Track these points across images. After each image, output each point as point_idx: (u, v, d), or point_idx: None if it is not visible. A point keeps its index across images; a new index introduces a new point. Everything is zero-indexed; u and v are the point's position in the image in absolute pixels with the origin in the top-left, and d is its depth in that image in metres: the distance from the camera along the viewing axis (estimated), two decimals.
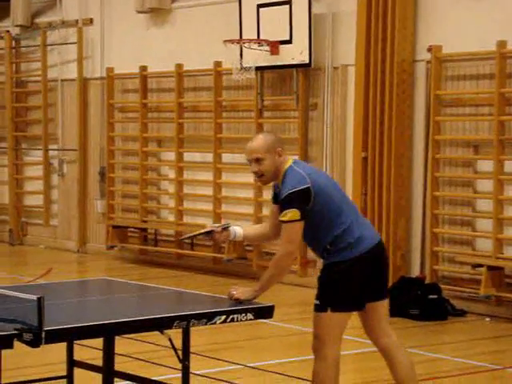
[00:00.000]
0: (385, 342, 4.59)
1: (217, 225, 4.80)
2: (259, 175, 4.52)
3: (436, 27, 8.85)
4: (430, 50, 8.74)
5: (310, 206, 4.43)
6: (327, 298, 4.48)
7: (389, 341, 4.59)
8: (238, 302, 4.51)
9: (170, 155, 11.41)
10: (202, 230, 4.74)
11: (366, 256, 4.50)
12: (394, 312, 8.26)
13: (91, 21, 12.24)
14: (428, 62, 8.84)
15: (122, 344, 5.31)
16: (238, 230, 4.73)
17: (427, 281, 8.65)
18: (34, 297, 3.71)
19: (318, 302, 4.51)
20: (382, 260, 4.60)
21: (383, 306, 4.61)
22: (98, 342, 4.51)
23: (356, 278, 4.49)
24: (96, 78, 12.21)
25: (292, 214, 4.39)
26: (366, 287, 4.52)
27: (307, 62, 9.64)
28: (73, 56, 12.35)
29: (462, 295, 8.57)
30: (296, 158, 4.79)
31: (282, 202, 4.44)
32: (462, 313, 8.37)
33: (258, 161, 4.47)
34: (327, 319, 4.46)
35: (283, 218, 4.43)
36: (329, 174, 9.74)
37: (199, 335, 6.71)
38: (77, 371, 4.99)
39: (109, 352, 4.39)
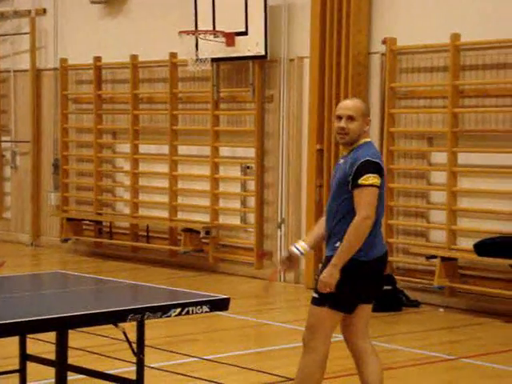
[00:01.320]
0: (363, 345, 4.55)
1: (280, 261, 4.68)
2: (343, 133, 4.48)
3: (391, 20, 8.89)
4: (384, 42, 8.79)
5: None
6: (328, 294, 4.40)
7: (367, 345, 4.56)
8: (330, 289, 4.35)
9: (125, 147, 11.32)
10: (277, 274, 4.63)
11: (374, 263, 4.46)
12: None
13: (44, 11, 12.07)
14: (383, 54, 8.89)
15: (76, 338, 5.26)
16: (301, 245, 4.60)
17: None
18: None
19: (317, 296, 4.44)
20: (383, 269, 4.59)
21: (370, 309, 4.60)
22: (52, 335, 4.45)
23: (360, 283, 4.46)
24: (49, 68, 12.06)
25: (374, 179, 4.34)
26: (364, 292, 4.51)
27: (263, 53, 9.63)
28: (25, 46, 12.18)
29: (416, 286, 8.66)
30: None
31: (360, 165, 4.35)
32: (416, 304, 8.45)
33: (349, 118, 4.47)
34: (323, 314, 4.42)
35: (363, 182, 4.34)
36: (285, 166, 9.76)
37: (155, 328, 6.68)
38: (30, 365, 4.93)
39: (62, 346, 4.34)
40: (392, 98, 8.81)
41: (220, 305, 4.48)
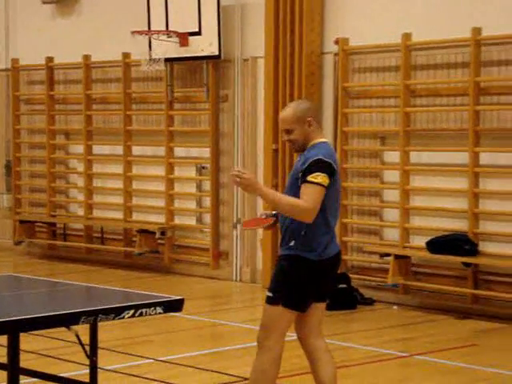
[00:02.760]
0: (317, 343, 4.56)
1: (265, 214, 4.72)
2: (291, 143, 4.52)
3: (343, 20, 8.95)
4: (336, 42, 8.85)
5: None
6: (282, 293, 4.43)
7: (321, 343, 4.57)
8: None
9: (79, 148, 11.23)
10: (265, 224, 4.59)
11: (326, 262, 4.48)
12: None
13: None
14: (335, 54, 8.94)
15: (28, 341, 5.21)
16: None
17: None
18: None
19: (271, 295, 4.46)
20: (336, 267, 4.62)
21: (321, 307, 4.61)
22: (3, 338, 4.40)
23: (314, 281, 4.48)
24: (1, 69, 11.90)
25: (323, 178, 4.34)
26: (316, 290, 4.52)
27: (217, 53, 9.63)
28: None
29: (370, 284, 8.73)
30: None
31: (312, 163, 4.35)
32: (370, 301, 8.52)
33: (287, 132, 4.49)
34: (277, 313, 4.44)
35: (313, 179, 4.33)
36: (240, 166, 9.77)
37: (111, 330, 6.64)
38: None
39: (14, 349, 4.28)
40: (345, 97, 8.87)
41: (174, 306, 4.47)
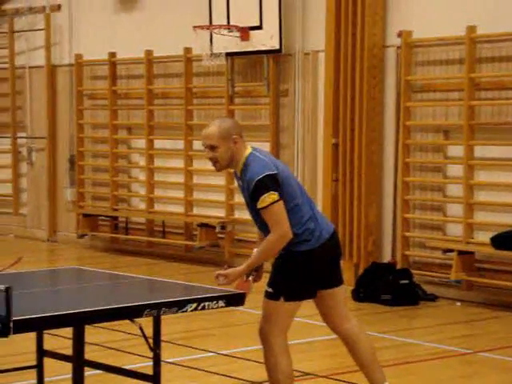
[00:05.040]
0: (346, 327, 4.60)
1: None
2: (213, 162, 4.49)
3: (406, 12, 8.84)
4: (399, 35, 8.75)
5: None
6: (281, 287, 4.49)
7: (350, 326, 4.60)
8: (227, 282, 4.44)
9: (141, 142, 11.33)
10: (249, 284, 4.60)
11: (322, 247, 4.49)
12: (366, 297, 8.30)
13: (59, 7, 12.09)
14: (398, 47, 8.84)
15: (92, 333, 5.27)
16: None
17: (398, 266, 8.68)
18: (2, 287, 3.67)
19: (271, 290, 4.52)
20: (337, 249, 4.61)
21: (340, 292, 4.63)
22: (68, 331, 4.46)
23: (312, 270, 4.50)
24: (64, 64, 12.08)
25: (270, 197, 4.33)
26: (320, 277, 4.53)
27: (278, 47, 9.61)
28: (40, 43, 12.21)
29: (432, 280, 8.62)
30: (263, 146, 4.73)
31: (253, 190, 4.35)
32: (432, 297, 8.42)
33: (211, 148, 4.43)
34: (279, 307, 4.49)
35: (262, 205, 4.34)
36: (300, 160, 9.74)
37: (172, 323, 6.69)
38: (46, 361, 4.95)
39: (79, 341, 4.34)
40: (407, 91, 8.77)
41: (236, 300, 4.48)
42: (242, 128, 4.57)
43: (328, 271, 4.56)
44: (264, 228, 4.49)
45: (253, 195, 4.38)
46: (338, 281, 4.62)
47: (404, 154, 8.78)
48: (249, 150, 4.47)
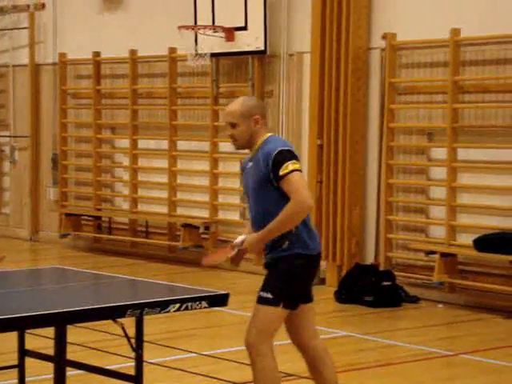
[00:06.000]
0: (315, 343, 4.46)
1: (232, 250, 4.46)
2: (233, 139, 4.39)
3: (391, 15, 8.87)
4: (384, 37, 8.77)
5: None
6: (283, 292, 4.29)
7: (318, 342, 4.47)
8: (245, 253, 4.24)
9: (124, 142, 11.30)
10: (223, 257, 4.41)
11: (319, 256, 4.40)
12: (349, 299, 8.32)
13: (43, 5, 12.04)
14: (383, 49, 8.87)
15: (74, 333, 5.25)
16: (243, 237, 4.45)
17: (381, 268, 8.70)
18: None
19: (269, 296, 4.27)
20: (319, 265, 4.50)
21: (313, 307, 4.52)
22: (50, 330, 4.44)
23: (309, 276, 4.40)
24: (48, 63, 12.03)
25: (293, 165, 4.21)
26: (309, 288, 4.44)
27: (263, 48, 9.61)
28: (24, 41, 12.16)
29: (415, 282, 8.65)
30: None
31: (274, 160, 4.20)
32: (415, 299, 8.44)
33: (232, 125, 4.35)
34: (275, 314, 4.31)
35: (285, 171, 4.17)
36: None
37: (154, 324, 6.67)
38: (28, 360, 4.92)
39: (61, 341, 4.32)
40: (392, 93, 8.79)
41: (219, 300, 4.47)
42: (265, 109, 4.49)
43: (311, 284, 4.47)
44: (260, 218, 4.30)
45: (275, 164, 4.20)
46: (312, 296, 4.51)
47: (388, 155, 8.80)
48: (268, 134, 4.38)
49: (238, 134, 4.35)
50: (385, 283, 8.29)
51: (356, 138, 9.04)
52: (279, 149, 4.24)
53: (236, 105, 4.37)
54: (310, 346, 4.46)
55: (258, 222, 4.37)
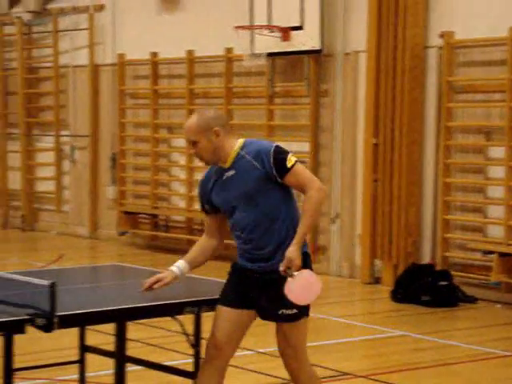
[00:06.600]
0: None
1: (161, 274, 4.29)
2: (199, 157, 4.06)
3: (448, 13, 8.80)
4: (441, 36, 8.71)
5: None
6: (303, 305, 4.02)
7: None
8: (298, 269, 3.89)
9: (181, 141, 11.40)
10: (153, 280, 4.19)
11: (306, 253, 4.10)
12: (405, 298, 8.28)
13: (102, 7, 12.23)
14: (440, 48, 8.80)
15: (133, 329, 5.33)
16: (181, 264, 4.31)
17: (438, 267, 8.65)
18: (47, 282, 3.73)
19: (295, 311, 4.00)
20: None
21: None
22: (110, 327, 4.52)
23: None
24: (107, 64, 12.21)
25: (293, 157, 3.99)
26: None
27: (318, 48, 9.61)
28: (84, 42, 12.36)
29: (472, 282, 8.57)
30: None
31: (274, 157, 3.94)
32: (472, 299, 8.37)
33: (192, 144, 4.04)
34: (304, 326, 4.13)
35: (291, 163, 3.94)
36: (340, 160, 9.73)
37: (210, 321, 6.73)
38: (89, 356, 5.01)
39: (121, 337, 4.40)
40: (449, 92, 8.72)
41: None
42: (226, 119, 4.15)
43: None
44: (255, 226, 4.03)
45: (276, 158, 3.94)
46: None
47: (445, 155, 8.74)
48: (240, 139, 4.05)
49: (201, 150, 4.01)
50: (442, 283, 8.24)
51: (412, 137, 8.99)
52: (274, 144, 4.02)
53: (192, 121, 4.06)
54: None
55: (249, 230, 4.11)
